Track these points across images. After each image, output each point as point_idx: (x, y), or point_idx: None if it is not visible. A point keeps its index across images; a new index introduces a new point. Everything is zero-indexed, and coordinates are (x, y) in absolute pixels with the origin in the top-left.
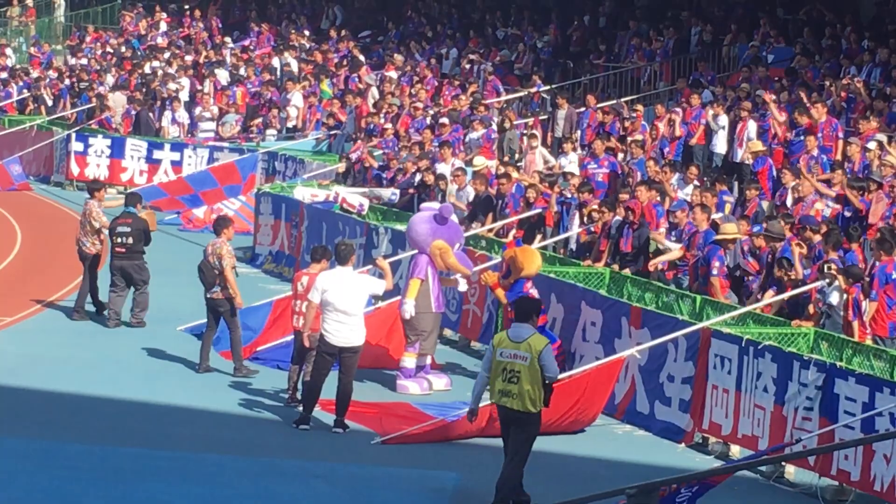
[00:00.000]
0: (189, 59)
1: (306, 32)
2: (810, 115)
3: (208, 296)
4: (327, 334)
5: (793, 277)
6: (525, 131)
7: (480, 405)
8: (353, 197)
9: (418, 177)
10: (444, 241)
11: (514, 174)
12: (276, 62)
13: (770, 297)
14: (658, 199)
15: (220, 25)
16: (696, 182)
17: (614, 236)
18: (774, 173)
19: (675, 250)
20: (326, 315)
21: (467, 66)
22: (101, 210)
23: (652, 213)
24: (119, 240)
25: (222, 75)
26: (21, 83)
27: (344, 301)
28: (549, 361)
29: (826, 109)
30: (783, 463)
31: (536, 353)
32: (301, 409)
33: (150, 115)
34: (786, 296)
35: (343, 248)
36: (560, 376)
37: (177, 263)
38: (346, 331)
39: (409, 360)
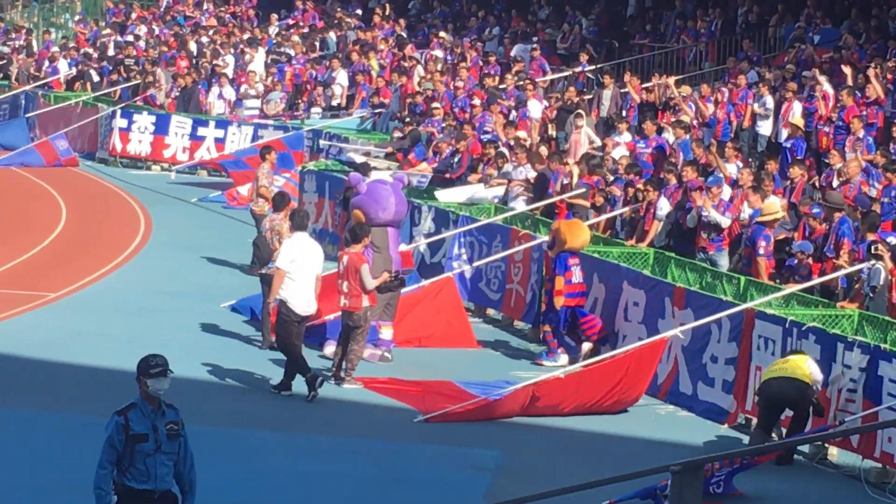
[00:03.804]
0: (242, 34)
1: (359, 12)
2: (865, 92)
3: (263, 272)
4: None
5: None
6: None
7: (522, 385)
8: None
9: (456, 158)
10: (360, 210)
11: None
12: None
13: (817, 279)
14: (702, 181)
15: (256, 9)
16: (740, 162)
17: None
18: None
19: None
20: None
21: (511, 46)
22: (269, 172)
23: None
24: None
25: (263, 53)
26: (70, 59)
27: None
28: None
29: (883, 90)
30: (826, 444)
31: None
32: (306, 381)
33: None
34: (833, 276)
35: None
36: (603, 356)
37: (221, 241)
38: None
39: (386, 332)
